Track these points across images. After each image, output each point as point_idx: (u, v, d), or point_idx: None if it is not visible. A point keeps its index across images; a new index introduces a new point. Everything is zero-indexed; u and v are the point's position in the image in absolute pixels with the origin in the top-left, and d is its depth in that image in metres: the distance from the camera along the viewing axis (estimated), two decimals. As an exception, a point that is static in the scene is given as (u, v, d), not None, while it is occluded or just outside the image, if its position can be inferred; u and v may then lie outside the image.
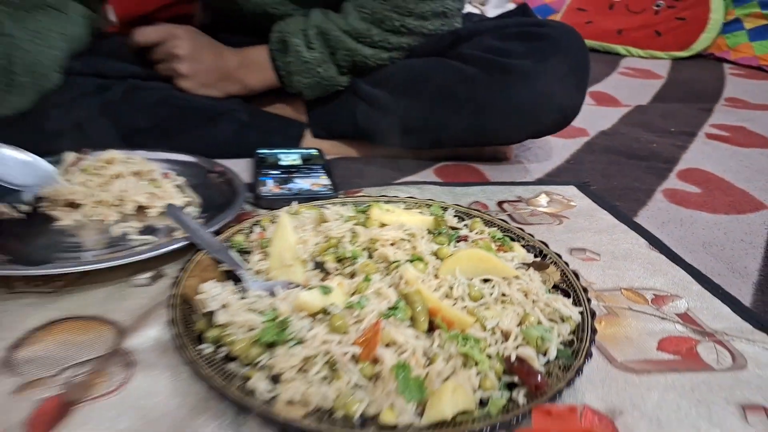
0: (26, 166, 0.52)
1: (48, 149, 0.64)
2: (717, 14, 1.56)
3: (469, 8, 1.73)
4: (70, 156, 0.58)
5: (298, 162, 0.69)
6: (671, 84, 1.31)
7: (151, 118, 0.70)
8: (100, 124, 0.67)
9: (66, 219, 0.53)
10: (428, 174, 0.71)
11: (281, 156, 0.71)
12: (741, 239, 0.56)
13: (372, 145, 0.76)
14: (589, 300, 0.40)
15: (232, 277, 0.43)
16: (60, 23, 0.66)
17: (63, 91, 0.66)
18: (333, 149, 0.77)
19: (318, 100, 0.76)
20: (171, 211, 0.50)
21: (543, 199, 0.63)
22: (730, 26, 1.57)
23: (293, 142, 0.76)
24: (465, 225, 0.49)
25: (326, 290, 0.38)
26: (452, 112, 0.68)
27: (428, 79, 0.69)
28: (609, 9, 1.73)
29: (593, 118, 0.97)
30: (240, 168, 0.68)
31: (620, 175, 0.73)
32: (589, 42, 1.70)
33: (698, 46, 1.57)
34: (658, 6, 1.66)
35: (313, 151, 0.73)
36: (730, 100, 1.18)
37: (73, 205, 0.54)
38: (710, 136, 0.90)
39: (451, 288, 0.39)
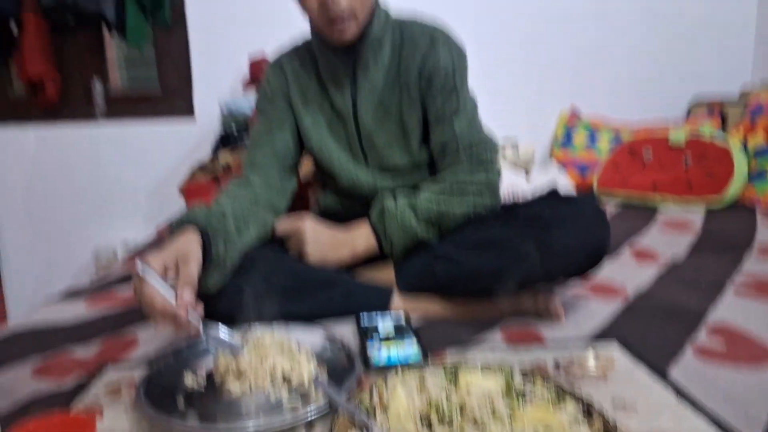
0: (226, 341, 0.76)
1: (212, 309, 0.88)
2: (741, 167, 1.75)
3: (515, 180, 1.99)
4: (239, 333, 0.80)
5: (392, 328, 0.90)
6: (705, 235, 1.48)
7: (281, 288, 0.94)
8: (249, 294, 0.91)
9: (236, 388, 0.74)
10: (496, 333, 0.89)
11: (378, 321, 0.91)
12: (759, 392, 0.70)
13: (450, 299, 0.98)
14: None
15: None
16: (261, 228, 1.01)
17: None
18: (416, 306, 0.98)
19: (403, 265, 1.01)
20: (317, 383, 0.70)
21: (591, 358, 0.79)
22: (757, 177, 1.75)
23: (385, 302, 0.98)
24: (529, 383, 0.66)
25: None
26: (509, 258, 0.90)
27: (490, 236, 0.94)
28: (642, 166, 1.96)
29: (633, 277, 1.14)
30: (345, 330, 0.89)
31: (656, 332, 0.88)
32: (627, 195, 1.91)
33: (729, 197, 1.75)
34: (686, 163, 1.87)
35: (402, 316, 0.94)
36: (761, 249, 1.33)
37: (239, 375, 0.75)
38: (739, 290, 1.05)
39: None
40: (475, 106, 1.07)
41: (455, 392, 0.63)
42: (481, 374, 0.66)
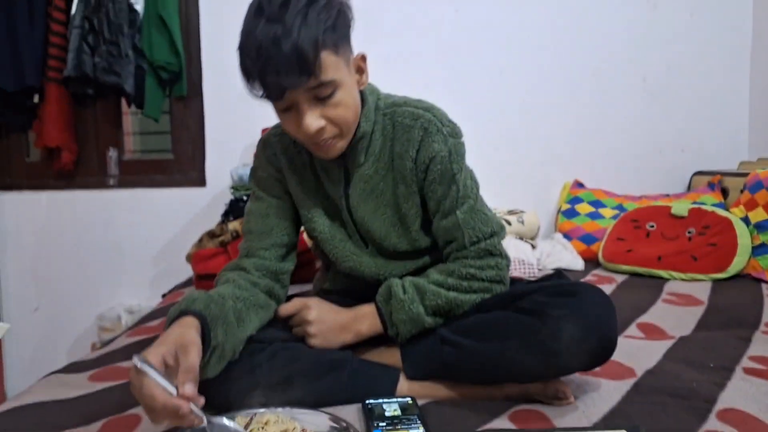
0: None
1: (213, 401, 0.88)
2: (744, 239, 1.76)
3: (522, 247, 2.00)
4: (241, 420, 0.80)
5: (398, 412, 0.88)
6: (712, 310, 1.47)
7: (287, 373, 0.93)
8: (252, 380, 0.90)
9: (240, 473, 0.72)
10: (504, 419, 0.88)
11: (385, 406, 0.90)
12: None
13: (456, 383, 0.97)
14: None
15: None
16: (261, 312, 0.99)
17: None
18: (422, 390, 0.97)
19: (409, 349, 0.99)
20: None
21: (601, 446, 0.78)
22: (759, 249, 1.76)
23: (391, 386, 0.97)
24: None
25: None
26: (515, 350, 0.88)
27: (496, 326, 0.93)
28: (646, 237, 1.97)
29: (641, 355, 1.12)
30: (349, 414, 0.88)
31: (665, 415, 0.86)
32: (633, 268, 1.91)
33: (734, 269, 1.75)
34: (689, 233, 1.89)
35: (408, 400, 0.92)
36: (769, 326, 1.32)
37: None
38: (748, 371, 1.03)
39: None
40: (476, 190, 1.03)
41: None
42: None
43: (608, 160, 2.44)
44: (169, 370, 0.73)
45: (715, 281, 1.76)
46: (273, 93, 0.84)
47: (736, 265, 1.75)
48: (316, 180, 1.06)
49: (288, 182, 1.07)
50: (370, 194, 1.03)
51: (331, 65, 0.85)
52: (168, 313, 0.85)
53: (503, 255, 1.02)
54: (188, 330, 0.78)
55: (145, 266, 2.39)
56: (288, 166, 1.06)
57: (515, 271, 1.94)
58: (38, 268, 2.40)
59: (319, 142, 0.90)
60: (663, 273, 1.85)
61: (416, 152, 0.98)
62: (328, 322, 1.00)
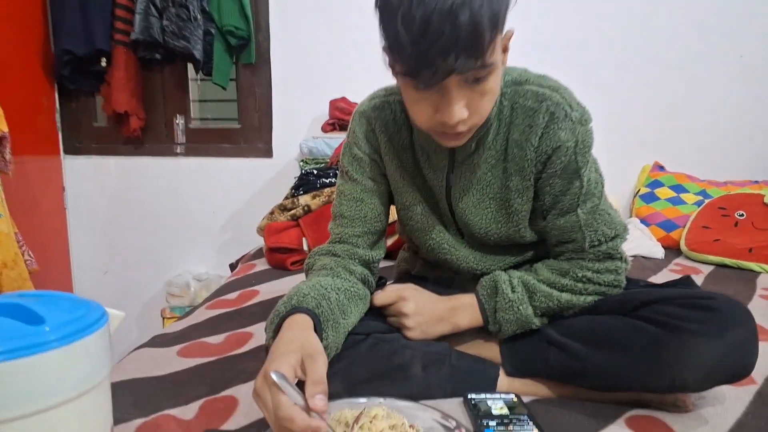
0: None
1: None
2: None
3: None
4: (349, 414, 0.76)
5: (506, 411, 0.84)
6: (821, 310, 1.36)
7: (386, 365, 0.89)
8: (352, 373, 0.87)
9: (354, 472, 0.69)
10: (621, 425, 0.82)
11: (490, 403, 0.86)
12: None
13: (559, 384, 0.91)
14: None
15: None
16: (360, 304, 0.95)
17: None
18: (523, 387, 0.92)
19: (511, 346, 0.93)
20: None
21: (738, 464, 0.72)
22: None
23: (491, 382, 0.92)
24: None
25: None
26: (635, 362, 0.81)
27: (614, 332, 0.85)
28: (734, 226, 1.85)
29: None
30: (450, 409, 0.84)
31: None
32: (721, 259, 1.80)
33: (837, 265, 1.62)
34: (787, 225, 1.76)
35: (513, 397, 0.88)
36: None
37: (355, 457, 0.71)
38: None
39: None
40: (601, 186, 0.91)
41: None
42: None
43: (692, 142, 2.29)
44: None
45: (815, 277, 1.64)
46: (437, 75, 0.69)
47: (841, 261, 1.62)
48: (415, 164, 0.98)
49: (385, 164, 0.99)
50: (475, 185, 0.93)
51: (496, 46, 0.72)
52: (277, 308, 0.82)
53: (623, 258, 0.93)
54: (309, 334, 0.74)
55: (212, 235, 2.40)
56: (387, 145, 0.97)
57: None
58: (108, 233, 2.45)
59: (455, 132, 0.79)
60: (754, 266, 1.73)
61: (539, 139, 0.86)
62: (425, 314, 0.94)
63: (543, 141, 0.86)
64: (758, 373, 0.98)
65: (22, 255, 1.89)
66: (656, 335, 0.80)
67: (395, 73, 0.76)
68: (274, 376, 0.63)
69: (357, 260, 0.98)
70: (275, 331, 0.78)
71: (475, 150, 0.91)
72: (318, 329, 0.77)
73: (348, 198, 1.00)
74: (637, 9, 2.23)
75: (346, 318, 0.88)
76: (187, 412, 0.86)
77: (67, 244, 2.46)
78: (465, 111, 0.75)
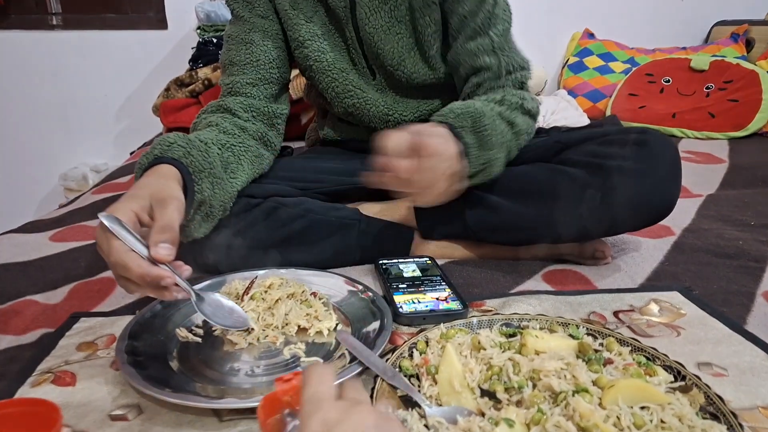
0: (228, 311, 0.60)
1: (205, 264, 0.75)
2: (769, 94, 1.63)
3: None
4: (239, 284, 0.67)
5: (418, 273, 0.77)
6: (734, 169, 1.37)
7: (287, 232, 0.79)
8: (246, 240, 0.77)
9: (241, 342, 0.61)
10: (538, 280, 0.77)
11: (402, 267, 0.78)
12: None
13: (476, 244, 0.84)
14: (741, 425, 0.45)
15: (407, 401, 0.49)
16: (255, 162, 0.80)
17: None
18: (438, 250, 0.85)
19: (427, 208, 0.85)
20: (342, 337, 0.57)
21: (654, 308, 0.69)
22: (784, 106, 1.64)
23: (405, 246, 0.85)
24: (601, 344, 0.55)
25: (510, 423, 0.43)
26: (560, 210, 0.75)
27: (537, 181, 0.77)
28: (660, 93, 1.82)
29: (675, 212, 1.02)
30: (360, 275, 0.77)
31: (716, 277, 0.77)
32: (645, 126, 1.78)
33: (754, 126, 1.63)
34: (708, 88, 1.74)
35: (427, 260, 0.81)
36: (798, 184, 1.22)
37: (245, 329, 0.62)
38: (791, 229, 0.95)
39: (618, 418, 0.44)
40: (510, 17, 0.85)
41: (519, 355, 0.51)
42: (551, 337, 0.54)
43: (621, 8, 2.20)
44: (145, 231, 0.56)
45: (732, 140, 1.65)
46: None
47: (757, 122, 1.63)
48: None
49: (278, 1, 0.85)
50: (382, 4, 0.83)
51: None
52: (138, 161, 0.67)
53: (534, 95, 0.85)
54: (167, 181, 0.61)
55: (106, 121, 2.14)
56: None
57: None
58: (-14, 123, 2.14)
59: None
60: (676, 131, 1.73)
61: None
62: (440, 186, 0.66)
63: None
64: (676, 225, 0.96)
65: None
66: (581, 177, 0.73)
67: None
68: (103, 219, 0.52)
69: (253, 114, 0.85)
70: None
71: None
72: (188, 181, 0.64)
73: (236, 41, 0.86)
74: None
75: (234, 176, 0.75)
76: (54, 296, 0.74)
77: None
78: None
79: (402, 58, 0.86)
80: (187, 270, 0.55)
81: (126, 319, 0.64)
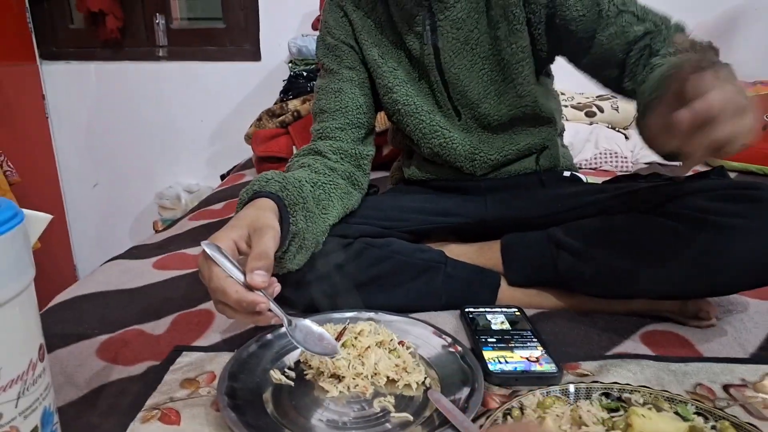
0: (318, 337, 0.61)
1: (293, 297, 0.77)
2: None
3: (615, 137, 1.77)
4: (331, 329, 0.68)
5: (507, 325, 0.75)
6: None
7: (374, 273, 0.80)
8: (335, 279, 0.79)
9: (332, 391, 0.62)
10: (636, 341, 0.73)
11: (489, 317, 0.77)
12: None
13: (567, 293, 0.82)
14: None
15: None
16: (345, 198, 0.83)
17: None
18: (526, 299, 0.83)
19: (514, 251, 0.84)
20: (435, 397, 0.57)
21: (769, 384, 0.63)
22: None
23: (492, 293, 0.83)
24: (713, 428, 0.51)
25: None
26: (657, 265, 0.71)
27: (635, 232, 0.75)
28: (763, 130, 1.70)
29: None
30: (445, 323, 0.76)
31: (842, 350, 0.70)
32: (748, 166, 1.67)
33: None
34: (821, 128, 1.61)
35: (515, 311, 0.79)
36: None
37: (336, 376, 0.63)
38: None
39: None
40: None
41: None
42: (659, 416, 0.51)
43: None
44: (243, 259, 0.59)
45: None
46: None
47: None
48: (396, 37, 0.88)
49: (363, 47, 0.90)
50: (464, 45, 0.85)
51: None
52: (239, 194, 0.71)
53: None
54: (264, 212, 0.64)
55: (201, 144, 2.28)
56: (362, 25, 0.89)
57: (605, 165, 1.73)
58: (94, 144, 2.33)
59: None
60: (782, 172, 1.60)
61: None
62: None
63: None
64: (789, 285, 0.89)
65: (1, 166, 1.79)
66: (685, 232, 0.70)
67: None
68: (205, 248, 0.55)
69: (341, 155, 0.88)
70: None
71: (454, 3, 0.83)
72: (284, 213, 0.67)
73: (326, 91, 0.91)
74: None
75: (326, 212, 0.78)
76: (158, 327, 0.78)
77: (53, 155, 2.35)
78: None
79: (487, 93, 0.88)
80: (278, 286, 0.59)
81: (225, 356, 0.67)
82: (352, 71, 0.91)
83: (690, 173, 0.81)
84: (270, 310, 0.56)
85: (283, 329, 0.60)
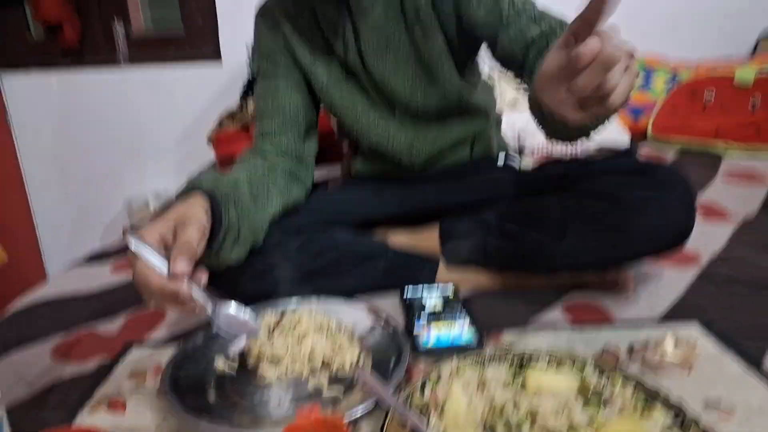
0: (242, 323, 0.65)
1: (242, 290, 0.81)
2: (821, 109, 1.57)
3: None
4: (271, 317, 0.73)
5: (440, 304, 0.81)
6: (780, 188, 1.33)
7: (318, 264, 0.85)
8: (280, 271, 0.83)
9: (271, 374, 0.67)
10: (558, 310, 0.80)
11: (425, 296, 0.83)
12: None
13: (500, 272, 0.88)
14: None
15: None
16: (285, 194, 0.87)
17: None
18: (463, 279, 0.89)
19: (449, 235, 0.90)
20: (360, 373, 0.62)
21: (669, 343, 0.69)
22: (838, 121, 1.57)
23: (431, 275, 0.89)
24: (607, 381, 0.57)
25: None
26: (581, 240, 0.78)
27: (553, 211, 0.81)
28: (702, 110, 1.78)
29: (704, 238, 1.01)
30: (386, 305, 0.82)
31: (745, 309, 0.77)
32: (687, 142, 1.75)
33: (804, 142, 1.57)
34: (753, 104, 1.69)
35: (450, 290, 0.85)
36: None
37: (274, 361, 0.68)
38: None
39: (609, 457, 0.47)
40: None
41: (522, 394, 0.54)
42: (554, 375, 0.57)
43: (663, 19, 2.16)
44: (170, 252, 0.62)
45: (781, 157, 1.60)
46: None
47: (808, 138, 1.57)
48: (325, 42, 0.93)
49: (295, 50, 0.94)
50: (385, 47, 0.90)
51: None
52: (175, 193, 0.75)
53: None
54: (191, 207, 0.67)
55: (168, 149, 2.30)
56: (292, 30, 0.93)
57: (558, 150, 1.79)
58: (60, 153, 2.34)
59: None
60: (720, 147, 1.68)
61: None
62: None
63: None
64: (705, 252, 0.96)
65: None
66: (599, 207, 0.77)
67: None
68: (129, 239, 0.58)
69: (281, 154, 0.93)
70: None
71: (372, 10, 0.88)
72: (215, 208, 0.69)
73: (263, 94, 0.95)
74: None
75: (263, 206, 0.82)
76: (112, 326, 0.83)
77: (18, 167, 2.36)
78: None
79: (414, 89, 0.92)
80: (204, 275, 0.61)
81: (173, 349, 0.71)
82: (287, 73, 0.95)
83: (604, 155, 0.88)
84: (192, 295, 0.58)
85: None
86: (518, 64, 0.84)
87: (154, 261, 0.58)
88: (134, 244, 0.58)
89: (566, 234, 0.79)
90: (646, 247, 0.77)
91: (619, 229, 0.75)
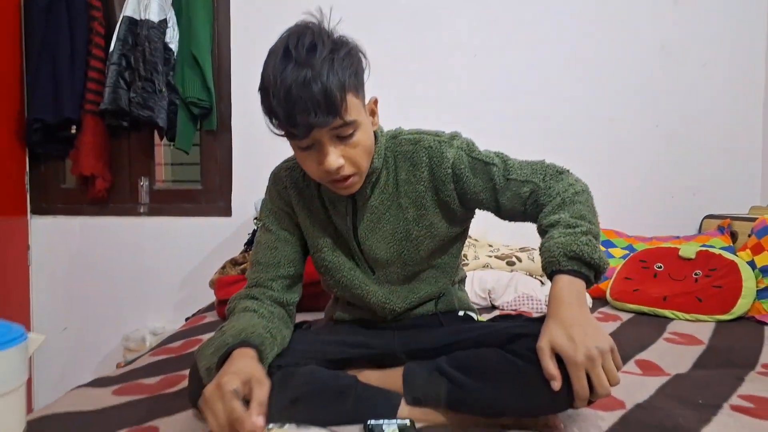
0: None
1: None
2: (749, 282, 1.80)
3: (531, 284, 2.05)
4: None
5: (396, 432, 0.94)
6: (711, 350, 1.50)
7: (296, 395, 0.99)
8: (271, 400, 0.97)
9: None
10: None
11: (384, 427, 0.96)
12: None
13: (454, 413, 1.01)
14: None
15: None
16: (282, 338, 1.07)
17: None
18: (422, 416, 1.02)
19: (410, 377, 1.05)
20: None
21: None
22: (763, 293, 1.79)
23: (393, 410, 1.02)
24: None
25: None
26: (511, 395, 0.93)
27: (490, 365, 0.97)
28: (653, 278, 2.01)
29: (634, 389, 1.17)
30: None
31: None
32: (639, 307, 1.95)
33: (738, 311, 1.78)
34: (696, 275, 1.92)
35: (407, 422, 0.98)
36: (766, 365, 1.34)
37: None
38: (735, 408, 1.07)
39: None
40: (503, 154, 1.09)
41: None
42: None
43: (621, 201, 2.49)
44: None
45: (719, 322, 1.79)
46: (300, 131, 0.89)
47: (740, 307, 1.78)
48: (324, 212, 1.14)
49: (298, 215, 1.15)
50: (376, 224, 1.10)
51: (354, 107, 0.93)
52: (222, 338, 0.97)
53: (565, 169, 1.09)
54: (257, 364, 0.89)
55: (171, 291, 2.50)
56: (297, 199, 1.14)
57: (523, 306, 1.99)
58: (70, 290, 2.53)
59: (337, 179, 0.97)
60: (668, 313, 1.88)
61: (429, 172, 1.06)
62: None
63: (436, 170, 1.06)
64: (630, 400, 1.11)
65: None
66: (522, 368, 0.92)
67: (281, 136, 0.95)
68: (233, 387, 0.77)
69: (273, 302, 1.11)
70: (222, 359, 0.92)
71: (371, 195, 1.08)
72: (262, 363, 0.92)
73: (264, 247, 1.15)
74: (562, 82, 2.49)
75: (272, 351, 1.01)
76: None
77: (28, 299, 2.53)
78: (340, 159, 0.94)
79: (395, 258, 1.12)
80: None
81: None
82: (287, 232, 1.15)
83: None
84: None
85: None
86: (522, 216, 1.10)
87: (238, 405, 0.77)
88: (234, 389, 0.78)
89: (501, 388, 0.94)
90: (557, 406, 0.92)
91: (537, 385, 0.88)
